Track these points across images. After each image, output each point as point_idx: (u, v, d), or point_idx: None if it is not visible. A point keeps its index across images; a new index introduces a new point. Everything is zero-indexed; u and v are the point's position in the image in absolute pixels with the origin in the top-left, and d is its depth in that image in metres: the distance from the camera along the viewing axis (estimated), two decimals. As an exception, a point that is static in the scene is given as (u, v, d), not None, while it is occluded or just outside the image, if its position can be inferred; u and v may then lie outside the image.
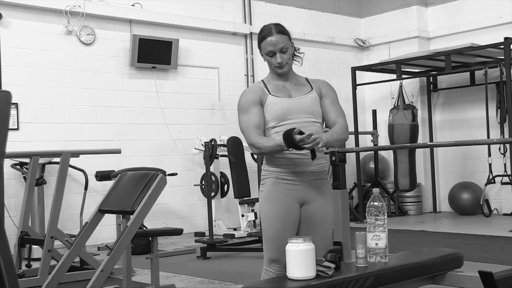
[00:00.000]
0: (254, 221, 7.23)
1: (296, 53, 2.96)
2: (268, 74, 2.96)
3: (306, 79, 2.99)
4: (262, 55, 2.92)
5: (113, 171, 6.01)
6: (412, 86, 9.35)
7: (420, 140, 8.91)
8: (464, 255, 3.04)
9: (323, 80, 3.01)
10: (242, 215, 7.30)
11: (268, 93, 2.86)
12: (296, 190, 2.81)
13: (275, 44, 2.82)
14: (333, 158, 2.96)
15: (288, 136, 2.60)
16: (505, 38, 7.27)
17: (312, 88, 2.92)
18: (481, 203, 8.34)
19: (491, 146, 8.19)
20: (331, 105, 2.91)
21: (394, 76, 8.77)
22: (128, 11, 7.53)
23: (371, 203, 2.66)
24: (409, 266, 2.73)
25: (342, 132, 2.82)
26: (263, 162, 2.94)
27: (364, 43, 10.00)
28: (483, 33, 8.64)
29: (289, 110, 2.82)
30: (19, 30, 6.76)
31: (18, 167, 6.23)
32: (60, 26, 7.05)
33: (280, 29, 2.85)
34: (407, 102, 8.72)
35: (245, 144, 7.09)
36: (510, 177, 8.00)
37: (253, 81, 8.56)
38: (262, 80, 2.95)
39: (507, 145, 7.97)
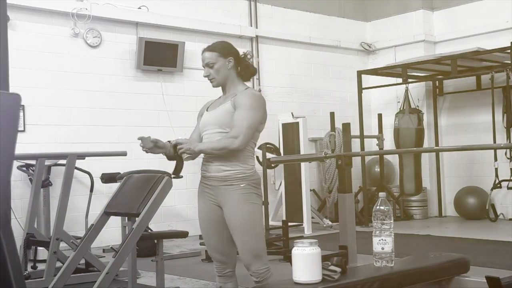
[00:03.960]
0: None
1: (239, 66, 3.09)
2: None
3: (246, 89, 3.09)
4: None
5: (119, 173, 6.00)
6: (418, 90, 9.32)
7: (426, 144, 8.89)
8: (470, 260, 3.02)
9: (246, 91, 3.06)
10: (247, 218, 7.28)
11: (206, 110, 3.15)
12: (210, 194, 3.12)
13: (203, 60, 3.09)
14: (339, 162, 2.96)
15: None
16: (512, 43, 7.26)
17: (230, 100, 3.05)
18: (487, 208, 8.31)
19: (497, 150, 8.16)
20: (236, 116, 2.97)
21: (400, 80, 8.75)
22: (134, 14, 7.55)
23: (378, 207, 2.64)
24: (415, 271, 2.73)
25: (218, 141, 2.96)
26: None
27: (370, 47, 9.98)
28: (490, 38, 8.61)
29: (206, 123, 3.08)
30: (26, 32, 6.79)
31: (24, 168, 6.24)
32: (67, 29, 7.08)
33: (211, 47, 3.07)
34: (413, 106, 8.69)
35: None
36: (516, 182, 7.97)
37: (259, 84, 8.56)
38: (221, 96, 3.20)
39: (514, 150, 7.94)
